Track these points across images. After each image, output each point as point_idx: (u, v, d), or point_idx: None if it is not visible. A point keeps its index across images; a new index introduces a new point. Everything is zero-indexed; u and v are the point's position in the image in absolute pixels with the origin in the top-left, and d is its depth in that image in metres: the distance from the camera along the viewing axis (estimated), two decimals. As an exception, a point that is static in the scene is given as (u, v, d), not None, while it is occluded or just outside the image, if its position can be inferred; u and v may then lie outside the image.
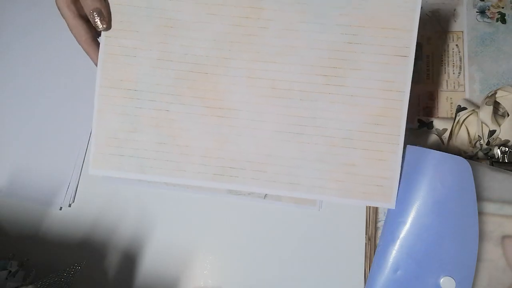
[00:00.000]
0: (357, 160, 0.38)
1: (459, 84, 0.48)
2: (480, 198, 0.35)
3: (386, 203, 0.38)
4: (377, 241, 0.39)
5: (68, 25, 0.39)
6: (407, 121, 0.47)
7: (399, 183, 0.38)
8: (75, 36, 0.39)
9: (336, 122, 0.39)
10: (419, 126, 0.47)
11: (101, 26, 0.38)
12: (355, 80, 0.38)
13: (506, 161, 0.43)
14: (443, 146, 0.46)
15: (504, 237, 0.35)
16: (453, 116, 0.47)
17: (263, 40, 0.39)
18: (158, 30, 0.39)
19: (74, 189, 0.49)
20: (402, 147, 0.38)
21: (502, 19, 0.49)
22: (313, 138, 0.39)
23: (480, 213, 0.35)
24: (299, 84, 0.39)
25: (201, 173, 0.40)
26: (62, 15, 0.39)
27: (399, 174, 0.38)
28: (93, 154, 0.40)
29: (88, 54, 0.40)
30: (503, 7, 0.49)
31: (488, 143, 0.44)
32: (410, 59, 0.38)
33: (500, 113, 0.45)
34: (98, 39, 0.40)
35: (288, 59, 0.39)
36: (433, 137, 0.46)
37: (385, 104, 0.38)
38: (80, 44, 0.40)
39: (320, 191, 0.39)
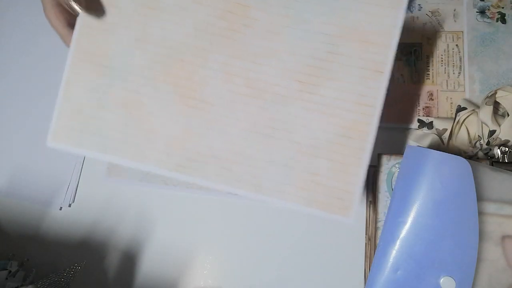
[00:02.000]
0: (322, 169, 0.38)
1: (459, 84, 0.48)
2: (480, 198, 0.35)
3: (344, 217, 0.38)
4: (377, 241, 0.39)
5: (59, 35, 0.39)
6: (407, 121, 0.48)
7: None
8: (67, 45, 0.39)
9: (306, 129, 0.38)
10: (419, 126, 0.47)
11: (78, 9, 0.37)
12: (330, 90, 0.38)
13: (506, 161, 0.43)
14: (443, 146, 0.46)
15: (504, 237, 0.35)
16: (453, 116, 0.47)
17: (245, 38, 0.38)
18: (139, 9, 0.39)
19: (74, 189, 0.49)
20: (368, 162, 0.37)
21: (502, 19, 0.49)
22: (281, 142, 0.38)
23: (480, 213, 0.35)
24: (275, 87, 0.38)
25: (164, 162, 0.39)
26: (52, 25, 0.39)
27: (361, 189, 0.38)
28: (55, 126, 0.39)
29: None
30: (503, 7, 0.49)
31: (488, 143, 0.44)
32: (385, 75, 0.37)
33: (500, 113, 0.45)
34: None
35: (267, 61, 0.38)
36: (433, 137, 0.46)
37: (356, 117, 0.38)
38: None
39: (282, 197, 0.39)
